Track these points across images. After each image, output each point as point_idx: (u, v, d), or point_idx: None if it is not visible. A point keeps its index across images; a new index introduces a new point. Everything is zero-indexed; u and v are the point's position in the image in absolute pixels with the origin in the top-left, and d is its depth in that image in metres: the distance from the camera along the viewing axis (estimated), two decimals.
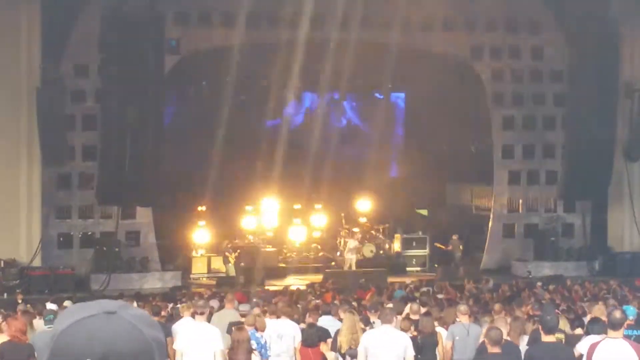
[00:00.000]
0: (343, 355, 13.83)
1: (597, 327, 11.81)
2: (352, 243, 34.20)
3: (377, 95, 41.50)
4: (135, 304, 18.02)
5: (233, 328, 12.76)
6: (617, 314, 9.59)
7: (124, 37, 29.47)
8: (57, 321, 2.69)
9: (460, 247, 35.75)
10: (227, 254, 34.23)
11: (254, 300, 20.29)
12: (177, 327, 13.76)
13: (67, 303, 18.74)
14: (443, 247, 36.28)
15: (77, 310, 2.67)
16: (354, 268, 33.38)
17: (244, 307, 17.80)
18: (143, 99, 29.84)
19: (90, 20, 30.78)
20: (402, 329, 13.16)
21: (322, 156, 38.04)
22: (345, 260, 34.02)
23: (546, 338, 10.25)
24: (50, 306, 17.40)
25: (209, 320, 13.87)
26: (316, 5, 31.34)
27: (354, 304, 20.01)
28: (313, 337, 14.19)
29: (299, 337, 14.23)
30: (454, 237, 36.06)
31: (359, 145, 41.83)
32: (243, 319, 14.34)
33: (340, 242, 36.89)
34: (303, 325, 14.78)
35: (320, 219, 38.25)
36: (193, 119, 39.35)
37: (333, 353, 13.97)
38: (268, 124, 39.22)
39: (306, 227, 37.42)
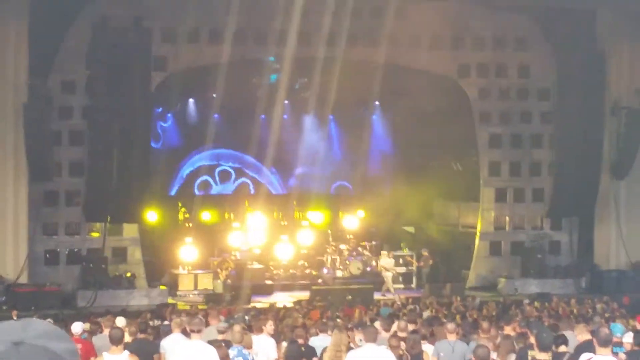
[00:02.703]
0: None
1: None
2: (385, 261, 34.20)
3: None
4: (122, 321, 17.82)
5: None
6: (606, 331, 9.62)
7: (112, 54, 29.56)
8: None
9: (430, 262, 35.62)
10: (218, 270, 34.17)
11: (244, 316, 20.19)
12: (167, 344, 13.62)
13: None
14: (415, 263, 36.27)
15: None
16: (391, 284, 33.45)
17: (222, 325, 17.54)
18: (130, 115, 29.88)
19: (78, 36, 30.81)
20: (391, 346, 13.14)
21: (307, 172, 38.11)
22: (385, 279, 33.88)
23: (540, 356, 10.25)
24: None
25: None
26: (303, 23, 31.27)
27: (339, 320, 19.95)
28: (295, 355, 14.14)
29: (273, 354, 14.30)
30: (424, 252, 35.93)
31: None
32: (221, 337, 14.20)
33: (326, 259, 36.85)
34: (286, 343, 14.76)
35: (307, 236, 38.07)
36: (180, 135, 39.40)
37: None
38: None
39: (293, 245, 37.24)
